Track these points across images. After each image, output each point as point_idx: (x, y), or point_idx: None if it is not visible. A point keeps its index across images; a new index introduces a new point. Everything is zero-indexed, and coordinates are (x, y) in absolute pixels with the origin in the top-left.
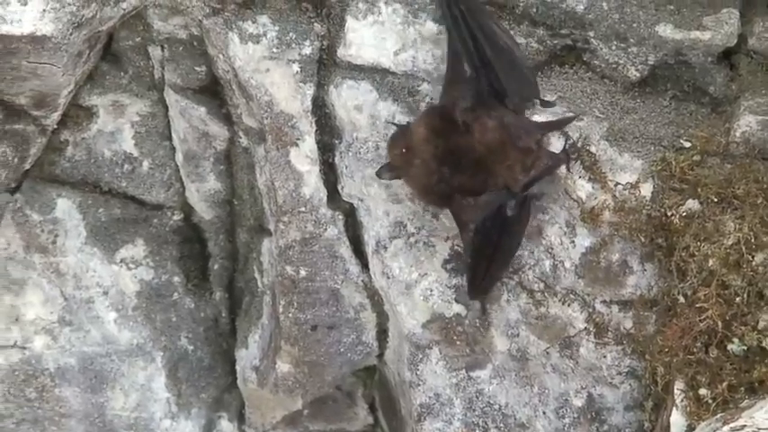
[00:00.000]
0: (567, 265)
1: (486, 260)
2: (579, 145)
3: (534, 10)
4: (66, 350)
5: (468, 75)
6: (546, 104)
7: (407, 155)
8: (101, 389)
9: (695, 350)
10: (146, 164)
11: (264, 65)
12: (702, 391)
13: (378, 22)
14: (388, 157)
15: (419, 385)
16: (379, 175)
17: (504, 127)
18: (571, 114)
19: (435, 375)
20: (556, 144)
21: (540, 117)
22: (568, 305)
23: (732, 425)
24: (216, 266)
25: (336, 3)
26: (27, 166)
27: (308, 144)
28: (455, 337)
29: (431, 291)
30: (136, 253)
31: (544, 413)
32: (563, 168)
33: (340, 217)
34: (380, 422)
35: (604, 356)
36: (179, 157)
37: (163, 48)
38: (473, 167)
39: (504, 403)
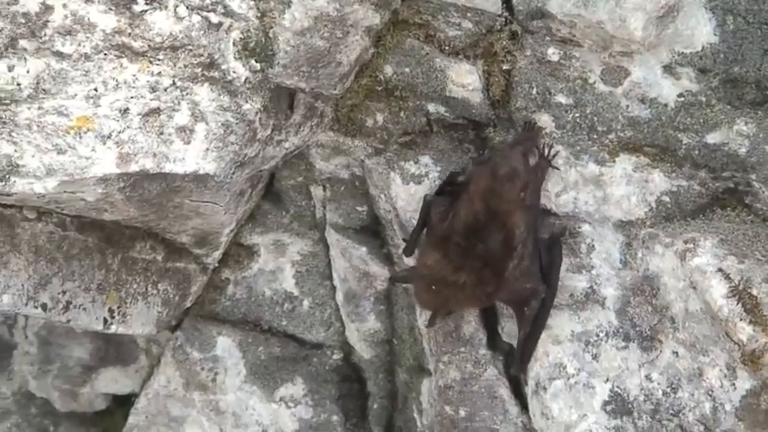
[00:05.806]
0: (728, 407)
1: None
2: (741, 288)
3: (696, 152)
4: None
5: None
6: None
7: (440, 284)
8: None
9: None
10: (306, 303)
11: None
12: None
13: None
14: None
15: None
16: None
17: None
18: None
19: None
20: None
21: None
22: None
23: None
24: (375, 406)
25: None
26: (188, 304)
27: None
28: None
29: None
30: (295, 392)
31: None
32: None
33: (500, 357)
34: None
35: None
36: (339, 296)
37: (325, 188)
38: (491, 227)
39: None
